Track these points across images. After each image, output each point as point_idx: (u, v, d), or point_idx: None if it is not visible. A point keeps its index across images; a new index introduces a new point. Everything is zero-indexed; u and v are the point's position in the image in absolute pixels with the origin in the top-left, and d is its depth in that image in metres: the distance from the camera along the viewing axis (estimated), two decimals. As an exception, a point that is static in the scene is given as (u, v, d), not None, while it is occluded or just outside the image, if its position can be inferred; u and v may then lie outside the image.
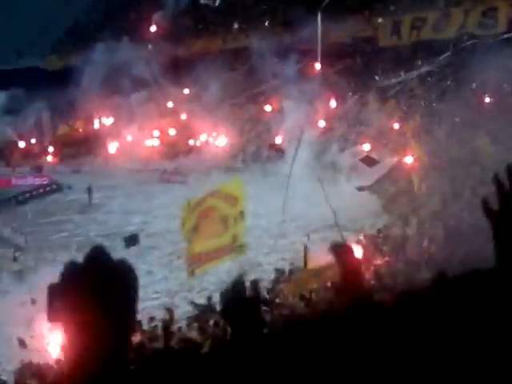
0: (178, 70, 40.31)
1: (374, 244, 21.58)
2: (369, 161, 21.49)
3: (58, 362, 14.16)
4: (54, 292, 0.82)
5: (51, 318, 0.92)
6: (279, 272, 20.93)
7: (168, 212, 29.12)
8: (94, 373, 0.72)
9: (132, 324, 0.85)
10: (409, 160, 27.04)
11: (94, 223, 29.61)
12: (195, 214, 16.35)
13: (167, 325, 17.50)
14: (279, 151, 21.61)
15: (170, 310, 18.49)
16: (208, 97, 37.71)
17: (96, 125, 43.00)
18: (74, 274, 0.83)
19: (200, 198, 16.71)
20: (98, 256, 0.87)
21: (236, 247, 17.12)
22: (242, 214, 16.62)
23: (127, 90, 38.63)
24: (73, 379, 0.74)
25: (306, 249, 20.07)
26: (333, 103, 35.80)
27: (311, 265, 19.91)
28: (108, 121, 42.57)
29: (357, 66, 37.79)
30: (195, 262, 16.94)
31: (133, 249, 21.76)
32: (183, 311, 19.63)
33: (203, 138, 38.38)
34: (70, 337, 0.83)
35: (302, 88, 33.12)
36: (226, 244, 17.01)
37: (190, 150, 38.38)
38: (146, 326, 17.64)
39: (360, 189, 24.35)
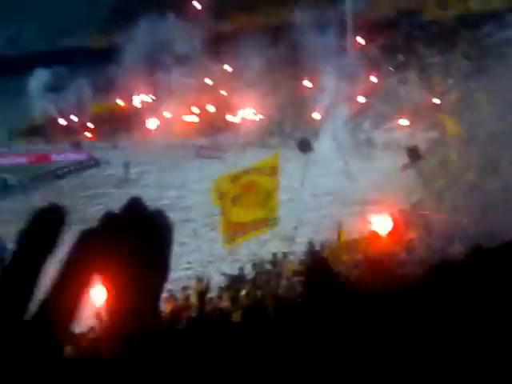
0: (219, 45, 40.05)
1: (408, 218, 21.61)
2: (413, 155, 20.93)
3: (92, 328, 14.31)
4: (88, 237, 0.82)
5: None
6: (311, 245, 20.75)
7: (202, 186, 29.31)
8: (131, 326, 0.69)
9: (166, 274, 0.80)
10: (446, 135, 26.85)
11: (130, 197, 30.51)
12: (236, 187, 16.82)
13: (202, 293, 17.76)
14: (307, 148, 21.48)
15: (203, 279, 18.75)
16: (248, 73, 37.42)
17: (136, 101, 43.37)
18: (109, 222, 0.83)
19: (241, 171, 17.25)
20: (134, 205, 0.88)
21: (271, 220, 17.79)
22: (277, 187, 17.44)
23: (168, 65, 38.95)
24: (112, 336, 0.73)
25: (339, 223, 20.20)
26: (372, 78, 35.63)
27: (344, 238, 20.13)
28: (147, 97, 42.65)
29: (399, 40, 37.25)
30: (233, 232, 17.43)
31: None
32: (214, 282, 19.75)
33: (241, 114, 38.38)
34: (107, 286, 0.81)
35: (342, 63, 33.08)
36: (262, 217, 17.65)
37: (228, 126, 38.33)
38: (179, 296, 17.77)
39: (404, 167, 24.16)
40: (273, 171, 17.45)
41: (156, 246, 0.77)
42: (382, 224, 19.75)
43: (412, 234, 20.56)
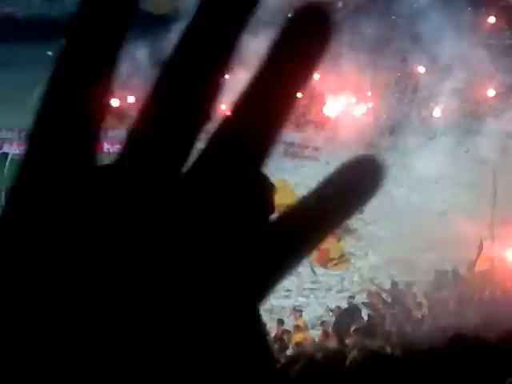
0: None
1: None
2: None
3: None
4: None
5: None
6: (441, 274, 18.14)
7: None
8: None
9: None
10: None
11: None
12: None
13: (301, 328, 16.62)
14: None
15: (302, 311, 17.47)
16: (349, 53, 31.59)
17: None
18: None
19: None
20: None
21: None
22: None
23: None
24: None
25: (479, 246, 17.94)
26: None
27: (480, 267, 17.80)
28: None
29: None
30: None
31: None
32: (317, 315, 18.05)
33: (339, 104, 33.75)
34: None
35: (468, 44, 28.03)
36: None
37: (324, 120, 33.71)
38: (273, 332, 16.18)
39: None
40: None
41: None
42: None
43: None
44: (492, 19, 32.46)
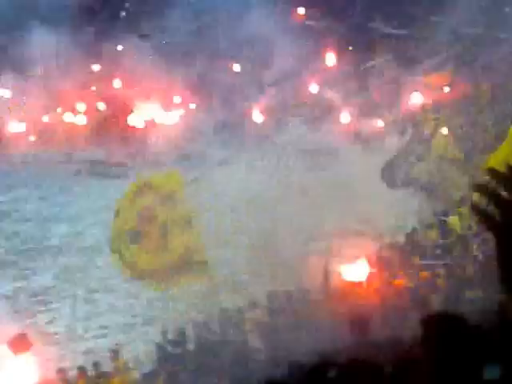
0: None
1: (400, 254, 18.48)
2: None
3: None
4: None
5: None
6: (273, 296, 17.21)
7: (106, 217, 21.94)
8: None
9: None
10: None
11: (1, 237, 24.63)
12: (134, 216, 14.74)
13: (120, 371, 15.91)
14: None
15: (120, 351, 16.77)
16: (150, 54, 30.51)
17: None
18: None
19: (132, 192, 15.31)
20: None
21: (195, 264, 15.86)
22: (189, 219, 15.33)
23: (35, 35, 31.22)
24: None
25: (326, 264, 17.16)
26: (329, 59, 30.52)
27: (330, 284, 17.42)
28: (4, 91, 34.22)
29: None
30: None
31: (63, 266, 20.10)
32: (141, 352, 16.98)
33: (149, 112, 31.04)
34: None
35: (287, 38, 27.73)
36: (174, 260, 15.54)
37: (131, 131, 30.76)
38: (90, 373, 15.68)
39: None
40: (172, 198, 15.19)
41: None
42: (356, 270, 16.73)
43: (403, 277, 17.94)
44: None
